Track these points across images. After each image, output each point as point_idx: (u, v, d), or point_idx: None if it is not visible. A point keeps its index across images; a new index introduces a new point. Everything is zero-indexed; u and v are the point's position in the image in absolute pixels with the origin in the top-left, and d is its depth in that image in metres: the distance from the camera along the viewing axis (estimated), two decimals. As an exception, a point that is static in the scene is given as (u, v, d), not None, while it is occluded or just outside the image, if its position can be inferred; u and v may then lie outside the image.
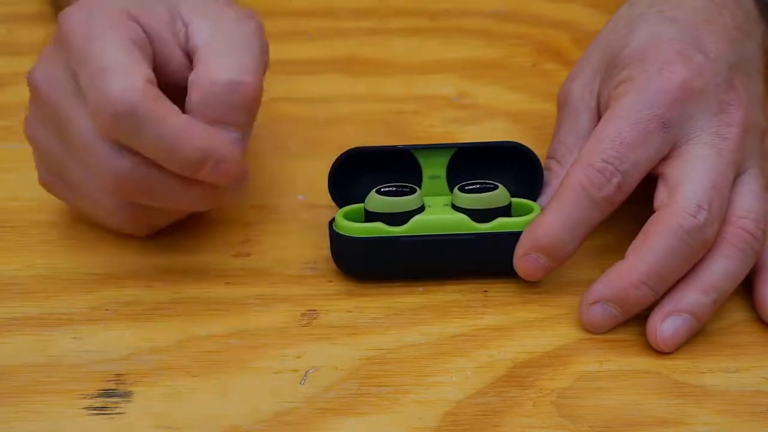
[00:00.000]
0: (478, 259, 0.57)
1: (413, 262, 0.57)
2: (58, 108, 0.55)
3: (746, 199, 0.56)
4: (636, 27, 0.59)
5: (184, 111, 0.54)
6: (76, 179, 0.57)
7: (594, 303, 0.55)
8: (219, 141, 0.54)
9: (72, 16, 0.55)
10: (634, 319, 0.56)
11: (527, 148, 0.59)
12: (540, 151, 0.60)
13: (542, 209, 0.58)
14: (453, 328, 0.56)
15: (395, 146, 0.60)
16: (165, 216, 0.58)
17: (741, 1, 0.61)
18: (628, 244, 0.55)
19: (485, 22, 0.76)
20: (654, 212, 0.56)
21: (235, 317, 0.57)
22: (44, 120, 0.56)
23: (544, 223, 0.56)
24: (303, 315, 0.57)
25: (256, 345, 0.55)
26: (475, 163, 0.60)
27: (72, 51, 0.54)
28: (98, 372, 0.54)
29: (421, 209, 0.58)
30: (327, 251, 0.59)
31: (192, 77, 0.55)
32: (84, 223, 0.60)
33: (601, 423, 0.52)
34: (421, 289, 0.58)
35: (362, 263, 0.58)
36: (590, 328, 0.56)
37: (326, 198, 0.60)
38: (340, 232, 0.57)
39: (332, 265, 0.59)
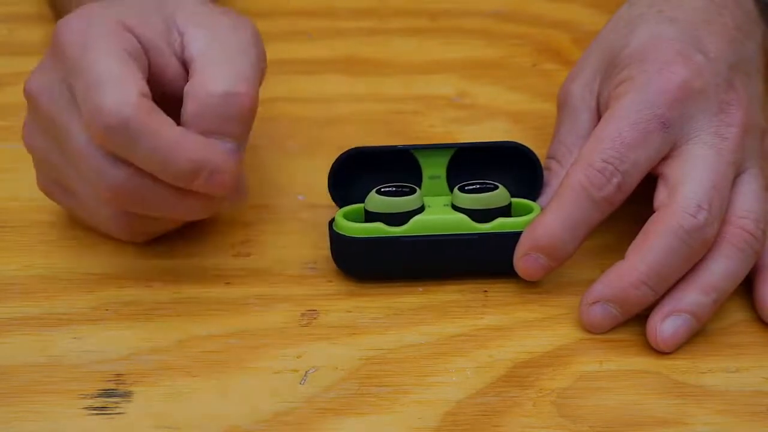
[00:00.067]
0: (478, 259, 0.57)
1: (413, 262, 0.57)
2: (54, 118, 0.55)
3: (746, 199, 0.56)
4: (636, 27, 0.59)
5: (179, 121, 0.54)
6: (74, 187, 0.57)
7: (594, 303, 0.55)
8: (213, 152, 0.53)
9: (68, 26, 0.54)
10: (634, 319, 0.56)
11: (527, 148, 0.59)
12: (540, 151, 0.60)
13: (542, 209, 0.58)
14: (453, 328, 0.56)
15: (395, 146, 0.60)
16: (161, 224, 0.58)
17: (741, 1, 0.61)
18: (628, 244, 0.55)
19: (485, 22, 0.76)
20: (654, 212, 0.56)
21: (235, 317, 0.57)
22: (41, 129, 0.56)
23: (544, 223, 0.56)
24: (303, 315, 0.57)
25: (256, 345, 0.55)
26: (475, 163, 0.60)
27: (67, 61, 0.54)
28: (98, 372, 0.54)
29: (421, 209, 0.58)
30: (327, 251, 0.59)
31: (188, 88, 0.54)
32: (84, 224, 0.60)
33: (601, 423, 0.52)
34: (421, 289, 0.58)
35: (362, 263, 0.58)
36: (590, 328, 0.56)
37: (326, 198, 0.60)
38: (340, 232, 0.57)
39: (332, 265, 0.59)
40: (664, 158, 0.56)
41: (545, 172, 0.60)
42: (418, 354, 0.55)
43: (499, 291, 0.58)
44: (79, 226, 0.60)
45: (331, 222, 0.58)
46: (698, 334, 0.55)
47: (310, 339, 0.56)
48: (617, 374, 0.54)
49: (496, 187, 0.58)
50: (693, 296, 0.55)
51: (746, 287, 0.57)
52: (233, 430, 0.52)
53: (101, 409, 0.52)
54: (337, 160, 0.59)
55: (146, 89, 0.53)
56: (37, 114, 0.56)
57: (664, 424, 0.52)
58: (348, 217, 0.58)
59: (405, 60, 0.73)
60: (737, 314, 0.57)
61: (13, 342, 0.55)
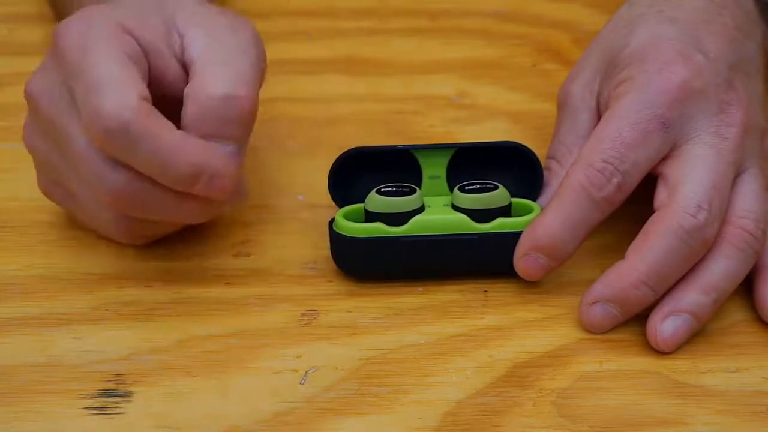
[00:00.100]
0: (478, 259, 0.57)
1: (413, 262, 0.57)
2: (54, 121, 0.55)
3: (746, 199, 0.56)
4: (636, 27, 0.59)
5: (179, 123, 0.54)
6: (74, 190, 0.57)
7: (594, 303, 0.55)
8: (213, 156, 0.53)
9: (68, 28, 0.54)
10: (634, 319, 0.56)
11: (527, 148, 0.59)
12: (540, 151, 0.60)
13: (542, 209, 0.58)
14: (453, 328, 0.56)
15: (395, 146, 0.60)
16: (161, 228, 0.58)
17: (741, 1, 0.61)
18: (628, 244, 0.55)
19: (485, 22, 0.76)
20: (654, 212, 0.56)
21: (235, 317, 0.57)
22: (42, 131, 0.56)
23: (544, 223, 0.56)
24: (303, 315, 0.57)
25: (256, 345, 0.55)
26: (475, 163, 0.60)
27: (67, 64, 0.54)
28: (98, 372, 0.54)
29: (421, 209, 0.58)
30: (327, 251, 0.59)
31: (188, 90, 0.54)
32: (84, 225, 0.60)
33: (601, 423, 0.52)
34: (421, 289, 0.58)
35: (362, 263, 0.58)
36: (590, 328, 0.56)
37: (326, 198, 0.60)
38: (340, 232, 0.57)
39: (332, 265, 0.59)
40: (664, 158, 0.56)
41: (545, 172, 0.60)
42: (418, 354, 0.55)
43: (499, 291, 0.58)
44: (78, 226, 0.60)
45: (331, 222, 0.58)
46: (698, 334, 0.55)
47: (310, 339, 0.56)
48: (617, 374, 0.54)
49: (496, 187, 0.58)
50: (693, 296, 0.55)
51: (746, 287, 0.57)
52: (233, 430, 0.52)
53: (101, 409, 0.52)
54: (337, 160, 0.59)
55: (146, 92, 0.53)
56: (38, 116, 0.56)
57: (664, 424, 0.52)
58: (348, 217, 0.58)
59: (405, 60, 0.73)
60: (737, 314, 0.57)
61: (13, 342, 0.55)
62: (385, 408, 0.53)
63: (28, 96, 0.56)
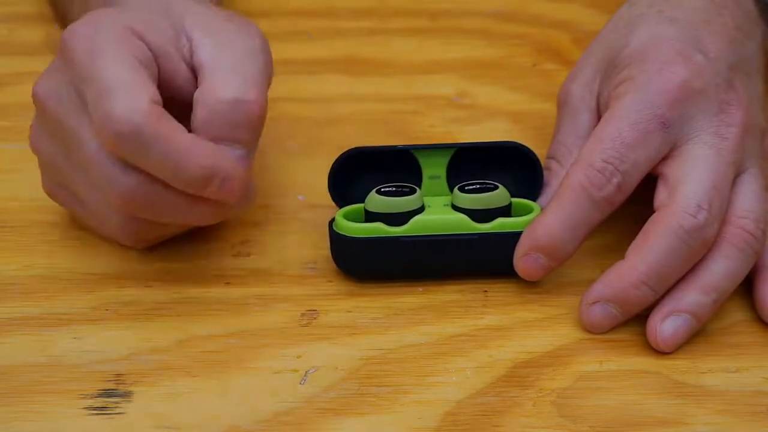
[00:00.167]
0: (478, 259, 0.57)
1: (413, 262, 0.57)
2: (63, 124, 0.55)
3: (746, 199, 0.56)
4: (636, 27, 0.59)
5: (188, 126, 0.54)
6: (81, 192, 0.57)
7: (594, 303, 0.55)
8: (224, 159, 0.54)
9: (75, 32, 0.54)
10: (634, 319, 0.56)
11: (527, 148, 0.59)
12: (540, 151, 0.60)
13: (542, 209, 0.58)
14: (453, 328, 0.56)
15: (395, 146, 0.60)
16: (168, 230, 0.58)
17: (741, 1, 0.61)
18: (628, 244, 0.55)
19: (485, 22, 0.76)
20: (654, 212, 0.56)
21: (235, 317, 0.57)
22: (49, 133, 0.56)
23: (544, 223, 0.56)
24: (303, 315, 0.57)
25: (256, 345, 0.55)
26: (475, 163, 0.60)
27: (76, 68, 0.53)
28: (98, 372, 0.54)
29: (421, 209, 0.58)
30: (327, 251, 0.59)
31: (197, 95, 0.54)
32: (86, 226, 0.60)
33: (601, 423, 0.52)
34: (421, 289, 0.58)
35: (362, 263, 0.58)
36: (590, 328, 0.56)
37: (326, 198, 0.60)
38: (340, 232, 0.57)
39: (332, 265, 0.59)
40: (664, 158, 0.56)
41: (545, 172, 0.60)
42: (418, 354, 0.55)
43: (499, 291, 0.58)
44: (79, 226, 0.60)
45: (331, 222, 0.58)
46: (698, 334, 0.55)
47: (310, 339, 0.56)
48: (617, 374, 0.54)
49: (496, 187, 0.58)
50: (693, 296, 0.55)
51: (746, 287, 0.57)
52: (233, 430, 0.52)
53: (101, 409, 0.52)
54: (337, 160, 0.59)
55: (157, 96, 0.53)
56: (45, 118, 0.56)
57: (664, 424, 0.52)
58: (348, 217, 0.58)
59: (405, 60, 0.73)
60: (737, 314, 0.57)
61: (13, 342, 0.55)
62: (385, 408, 0.53)
63: (36, 98, 0.56)
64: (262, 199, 0.63)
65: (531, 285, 0.58)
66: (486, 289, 0.58)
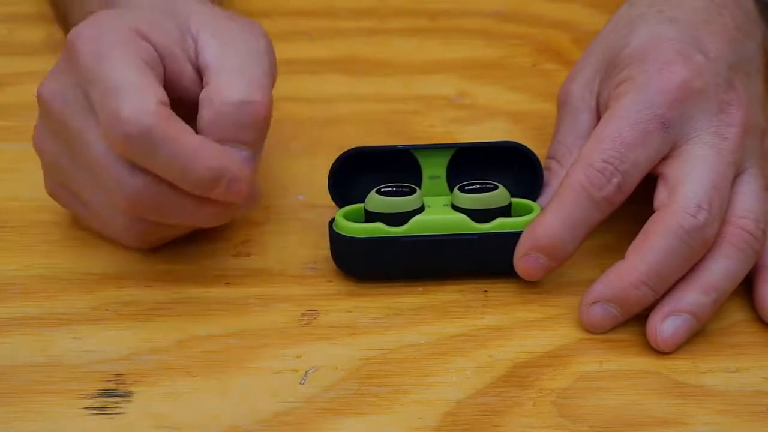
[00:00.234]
0: (478, 259, 0.57)
1: (413, 262, 0.57)
2: (68, 125, 0.55)
3: (746, 199, 0.56)
4: (636, 27, 0.59)
5: (194, 126, 0.54)
6: (86, 194, 0.57)
7: (594, 303, 0.55)
8: (231, 160, 0.54)
9: (80, 34, 0.54)
10: (634, 319, 0.56)
11: (527, 148, 0.59)
12: (540, 151, 0.60)
13: (542, 209, 0.58)
14: (453, 328, 0.56)
15: (395, 146, 0.60)
16: (173, 231, 0.58)
17: (741, 1, 0.61)
18: (628, 244, 0.55)
19: (485, 22, 0.76)
20: (654, 212, 0.56)
21: (235, 317, 0.57)
22: (53, 133, 0.56)
23: (544, 223, 0.56)
24: (303, 315, 0.57)
25: (256, 345, 0.55)
26: (475, 163, 0.60)
27: (82, 70, 0.53)
28: (98, 372, 0.54)
29: (421, 209, 0.58)
30: (327, 251, 0.59)
31: (203, 96, 0.55)
32: (87, 227, 0.60)
33: (601, 423, 0.52)
34: (421, 289, 0.58)
35: (362, 263, 0.58)
36: (590, 328, 0.56)
37: (326, 198, 0.60)
38: (340, 232, 0.57)
39: (332, 265, 0.59)
40: (664, 158, 0.56)
41: (545, 172, 0.60)
42: (418, 354, 0.55)
43: (499, 291, 0.58)
44: (79, 226, 0.60)
45: (331, 222, 0.58)
46: (698, 334, 0.55)
47: (310, 339, 0.56)
48: (617, 374, 0.54)
49: (496, 187, 0.58)
50: (693, 296, 0.55)
51: (746, 287, 0.57)
52: (233, 430, 0.52)
53: (101, 409, 0.52)
54: (337, 160, 0.59)
55: (165, 97, 0.53)
56: (49, 119, 0.56)
57: (664, 424, 0.52)
58: (348, 217, 0.58)
59: (405, 60, 0.73)
60: (737, 314, 0.57)
61: (13, 342, 0.55)
62: (385, 408, 0.53)
63: (40, 99, 0.56)
64: (262, 199, 0.63)
65: (531, 285, 0.58)
66: (486, 289, 0.58)
